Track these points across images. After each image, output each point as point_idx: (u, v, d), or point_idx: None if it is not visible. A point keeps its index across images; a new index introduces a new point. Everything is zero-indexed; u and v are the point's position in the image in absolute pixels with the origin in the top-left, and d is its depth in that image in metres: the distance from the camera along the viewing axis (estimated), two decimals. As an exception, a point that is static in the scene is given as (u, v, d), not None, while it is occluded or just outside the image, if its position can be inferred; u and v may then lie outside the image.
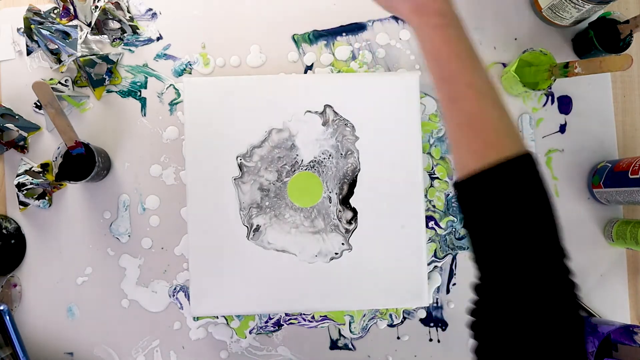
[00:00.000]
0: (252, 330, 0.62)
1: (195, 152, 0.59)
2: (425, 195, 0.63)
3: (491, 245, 0.34)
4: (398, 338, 0.62)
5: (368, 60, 0.64)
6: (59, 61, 0.61)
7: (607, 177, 0.60)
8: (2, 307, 0.58)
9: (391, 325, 0.62)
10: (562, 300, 0.32)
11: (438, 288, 0.63)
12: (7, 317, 0.58)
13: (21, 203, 0.62)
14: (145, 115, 0.64)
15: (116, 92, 0.64)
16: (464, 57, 0.37)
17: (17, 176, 0.61)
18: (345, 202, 0.59)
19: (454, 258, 0.63)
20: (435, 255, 0.62)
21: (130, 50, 0.64)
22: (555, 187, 0.64)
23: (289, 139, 0.59)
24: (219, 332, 0.62)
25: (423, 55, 0.39)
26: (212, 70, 0.64)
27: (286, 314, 0.62)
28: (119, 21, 0.62)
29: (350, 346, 0.62)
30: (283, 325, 0.62)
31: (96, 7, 0.61)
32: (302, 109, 0.59)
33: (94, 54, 0.62)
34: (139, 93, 0.64)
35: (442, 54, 0.37)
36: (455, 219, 0.63)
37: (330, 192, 0.59)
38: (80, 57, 0.60)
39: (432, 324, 0.62)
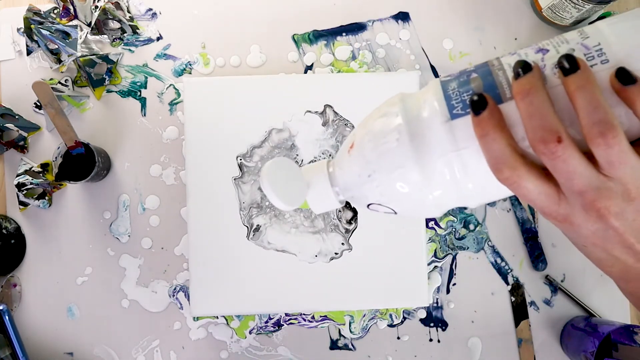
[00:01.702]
0: (252, 330, 0.62)
1: (195, 152, 0.59)
2: (425, 195, 0.63)
3: None
4: (398, 338, 0.62)
5: (368, 60, 0.64)
6: (59, 61, 0.61)
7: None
8: (2, 307, 0.58)
9: (391, 325, 0.62)
10: None
11: (438, 288, 0.63)
12: (7, 317, 0.58)
13: (21, 203, 0.62)
14: (145, 115, 0.64)
15: (116, 92, 0.64)
16: None
17: (17, 176, 0.61)
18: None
19: (454, 258, 0.63)
20: (435, 255, 0.62)
21: (130, 50, 0.64)
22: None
23: (289, 139, 0.59)
24: (219, 332, 0.62)
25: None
26: (212, 70, 0.64)
27: (286, 314, 0.62)
28: (119, 21, 0.62)
29: (350, 346, 0.62)
30: (283, 325, 0.62)
31: (96, 7, 0.61)
32: (302, 109, 0.59)
33: (94, 54, 0.62)
34: (139, 93, 0.64)
35: None
36: (455, 219, 0.63)
37: (330, 192, 0.59)
38: (80, 57, 0.60)
39: (432, 324, 0.62)
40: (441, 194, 0.28)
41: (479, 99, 0.26)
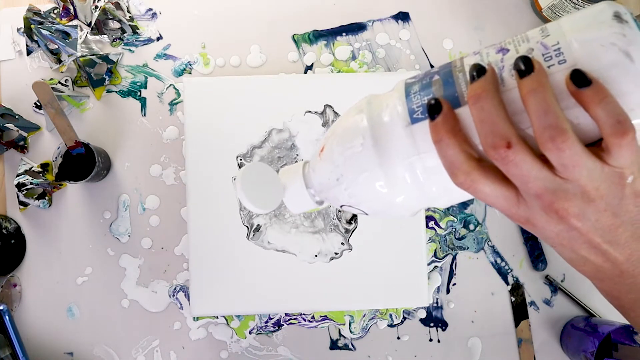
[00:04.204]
0: (252, 330, 0.62)
1: (195, 152, 0.59)
2: (425, 195, 0.63)
3: None
4: (398, 338, 0.62)
5: (368, 60, 0.64)
6: (59, 61, 0.61)
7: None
8: (2, 307, 0.58)
9: (391, 325, 0.62)
10: None
11: (438, 288, 0.63)
12: (7, 317, 0.58)
13: (21, 203, 0.62)
14: (145, 115, 0.64)
15: (116, 92, 0.64)
16: None
17: (17, 176, 0.61)
18: (345, 202, 0.59)
19: (454, 258, 0.63)
20: (435, 255, 0.62)
21: (130, 50, 0.64)
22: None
23: (289, 139, 0.59)
24: (219, 332, 0.62)
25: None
26: (212, 70, 0.64)
27: (286, 314, 0.62)
28: (119, 21, 0.62)
29: (350, 346, 0.62)
30: (283, 325, 0.62)
31: (96, 7, 0.61)
32: (302, 109, 0.59)
33: (94, 54, 0.62)
34: (139, 93, 0.64)
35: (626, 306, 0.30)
36: (455, 219, 0.63)
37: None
38: (80, 57, 0.60)
39: (432, 324, 0.62)
40: (406, 197, 0.28)
41: (435, 104, 0.26)
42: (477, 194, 0.26)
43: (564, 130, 0.23)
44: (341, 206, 0.31)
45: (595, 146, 0.25)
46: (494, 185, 0.25)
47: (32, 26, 0.58)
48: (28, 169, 0.61)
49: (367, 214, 0.31)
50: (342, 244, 0.59)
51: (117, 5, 0.62)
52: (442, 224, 0.63)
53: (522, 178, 0.24)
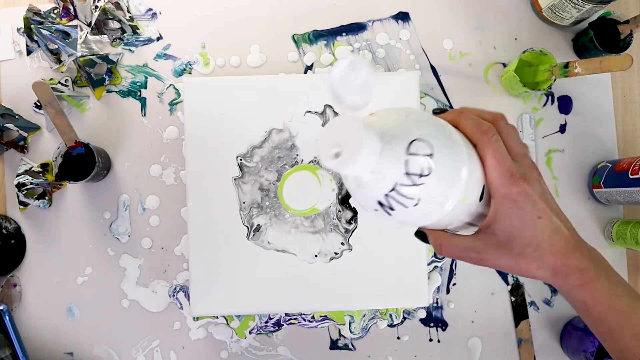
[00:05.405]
0: (252, 330, 0.62)
1: (195, 152, 0.59)
2: (425, 195, 0.63)
3: None
4: (398, 338, 0.62)
5: (368, 60, 0.64)
6: (59, 61, 0.61)
7: (607, 177, 0.60)
8: (2, 307, 0.58)
9: (391, 325, 0.62)
10: None
11: (438, 288, 0.63)
12: (7, 317, 0.58)
13: (21, 203, 0.62)
14: (145, 115, 0.64)
15: (116, 92, 0.64)
16: (621, 309, 0.32)
17: (17, 176, 0.61)
18: (344, 202, 0.59)
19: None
20: (435, 255, 0.62)
21: (130, 50, 0.64)
22: (556, 187, 0.64)
23: (289, 139, 0.59)
24: (219, 332, 0.62)
25: (577, 312, 0.35)
26: (212, 70, 0.64)
27: (286, 314, 0.62)
28: (119, 21, 0.62)
29: (350, 346, 0.62)
30: (283, 325, 0.62)
31: (96, 7, 0.61)
32: (302, 109, 0.59)
33: (94, 54, 0.62)
34: (139, 93, 0.64)
35: (594, 313, 0.33)
36: (455, 219, 0.63)
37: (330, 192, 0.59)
38: (80, 57, 0.60)
39: (432, 324, 0.62)
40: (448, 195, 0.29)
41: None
42: (495, 144, 0.31)
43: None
44: (410, 143, 0.28)
45: None
46: (503, 146, 0.32)
47: (32, 26, 0.58)
48: (28, 169, 0.61)
49: (430, 158, 0.28)
50: (342, 244, 0.59)
51: (117, 5, 0.62)
52: (442, 224, 0.63)
53: (518, 142, 0.33)
